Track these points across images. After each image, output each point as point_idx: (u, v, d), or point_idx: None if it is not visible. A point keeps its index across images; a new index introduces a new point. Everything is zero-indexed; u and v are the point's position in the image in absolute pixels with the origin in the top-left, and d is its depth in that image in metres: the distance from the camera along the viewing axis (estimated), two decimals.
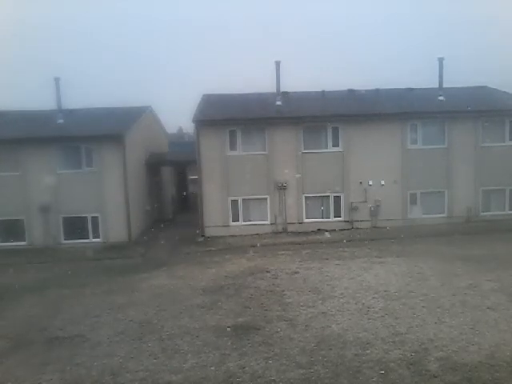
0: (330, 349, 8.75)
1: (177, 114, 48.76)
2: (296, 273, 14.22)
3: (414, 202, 22.09)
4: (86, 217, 21.78)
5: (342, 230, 21.43)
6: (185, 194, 31.76)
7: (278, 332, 9.67)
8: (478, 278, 12.68)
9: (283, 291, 12.38)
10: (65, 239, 21.81)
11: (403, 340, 8.92)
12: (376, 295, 11.67)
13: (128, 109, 25.79)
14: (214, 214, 21.70)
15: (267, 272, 14.49)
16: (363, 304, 11.06)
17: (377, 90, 25.19)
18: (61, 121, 23.47)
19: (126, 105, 26.01)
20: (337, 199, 21.92)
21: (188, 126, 33.86)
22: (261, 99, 24.33)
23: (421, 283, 12.51)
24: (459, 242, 17.95)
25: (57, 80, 23.83)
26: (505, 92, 24.97)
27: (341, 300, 11.45)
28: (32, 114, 24.98)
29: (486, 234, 19.31)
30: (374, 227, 21.61)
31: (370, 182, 21.70)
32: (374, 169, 21.60)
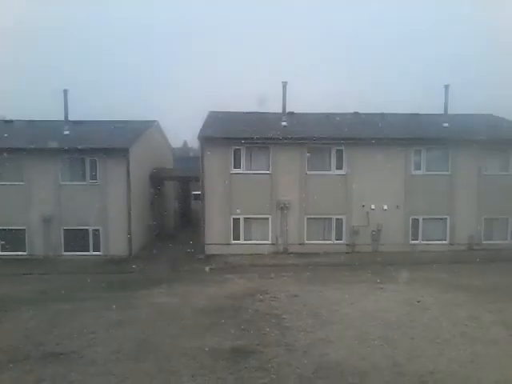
0: (328, 377, 8.64)
1: (182, 128, 49.08)
2: (296, 296, 14.11)
3: (415, 227, 22.04)
4: (87, 229, 21.82)
5: (343, 253, 21.36)
6: (188, 209, 31.77)
7: (275, 357, 9.56)
8: (478, 309, 12.56)
9: (282, 315, 12.26)
10: (65, 251, 21.84)
11: (402, 371, 8.80)
12: (375, 323, 11.56)
13: (134, 123, 26.04)
14: (216, 231, 21.69)
15: (267, 294, 14.38)
16: (362, 331, 10.95)
17: (382, 114, 25.37)
18: (67, 132, 23.64)
19: (133, 118, 26.28)
20: (339, 222, 21.90)
21: (193, 141, 33.98)
22: (266, 119, 24.51)
23: (421, 312, 12.40)
24: (460, 271, 17.85)
25: (65, 92, 24.07)
26: (509, 120, 25.08)
27: (340, 326, 11.35)
28: (39, 124, 25.21)
29: (487, 263, 19.21)
30: (375, 251, 21.54)
31: (373, 206, 21.69)
32: (376, 193, 21.62)
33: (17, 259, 20.88)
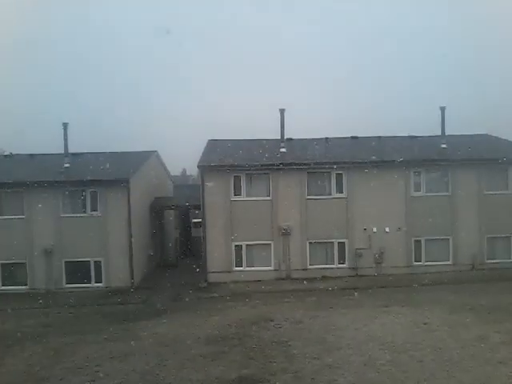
0: None
1: (181, 156, 49.44)
2: (301, 322, 13.96)
3: (418, 248, 21.97)
4: (88, 261, 21.70)
5: (346, 276, 21.23)
6: (188, 237, 31.65)
7: None
8: (486, 330, 12.41)
9: (288, 342, 12.10)
10: (67, 283, 21.65)
11: None
12: (382, 347, 11.40)
13: (134, 153, 26.20)
14: (218, 259, 21.59)
15: (271, 321, 14.22)
16: (370, 356, 10.79)
17: (380, 138, 25.54)
18: (67, 165, 23.75)
19: (133, 148, 26.48)
20: (341, 246, 21.83)
21: (192, 168, 34.21)
22: (265, 145, 24.60)
23: (428, 334, 12.25)
24: (465, 291, 17.71)
25: (65, 125, 24.26)
26: (505, 140, 25.28)
27: (347, 351, 11.19)
28: (40, 157, 25.36)
29: (491, 282, 19.11)
30: (379, 274, 21.40)
31: (374, 229, 21.66)
32: (378, 215, 21.61)
33: (18, 294, 20.69)
